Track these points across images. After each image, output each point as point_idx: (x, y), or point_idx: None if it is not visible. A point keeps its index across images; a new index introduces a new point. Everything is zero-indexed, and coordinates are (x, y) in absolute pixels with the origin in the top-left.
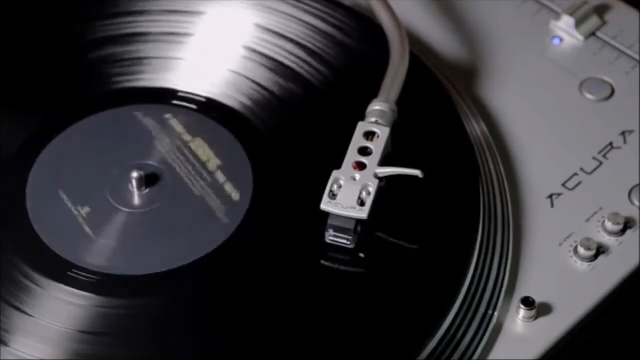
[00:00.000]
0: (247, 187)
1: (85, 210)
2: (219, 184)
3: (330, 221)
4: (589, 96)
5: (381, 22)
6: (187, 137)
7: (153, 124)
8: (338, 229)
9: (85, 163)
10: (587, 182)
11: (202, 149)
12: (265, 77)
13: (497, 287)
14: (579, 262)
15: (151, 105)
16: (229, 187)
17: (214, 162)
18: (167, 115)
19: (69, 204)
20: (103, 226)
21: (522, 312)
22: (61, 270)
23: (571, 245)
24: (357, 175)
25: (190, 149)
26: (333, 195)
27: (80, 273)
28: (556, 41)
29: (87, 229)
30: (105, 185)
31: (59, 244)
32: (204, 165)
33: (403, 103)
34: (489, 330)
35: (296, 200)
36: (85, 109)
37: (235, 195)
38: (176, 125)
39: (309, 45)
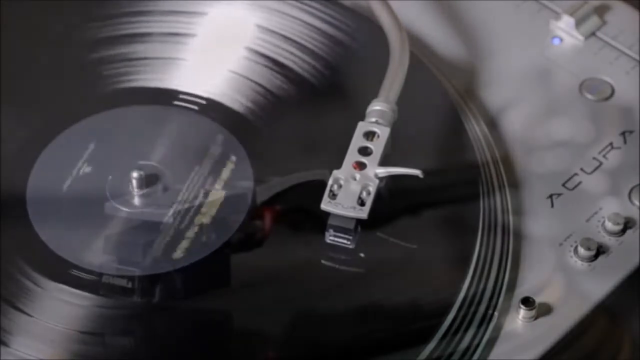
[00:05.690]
0: (198, 255)
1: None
2: (182, 235)
3: (330, 221)
4: (589, 96)
5: (381, 22)
6: (218, 185)
7: (215, 153)
8: (338, 229)
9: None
10: (587, 182)
11: (212, 203)
12: (265, 77)
13: (497, 287)
14: (579, 262)
15: (238, 143)
16: (183, 245)
17: (203, 219)
18: (233, 158)
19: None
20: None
21: (522, 312)
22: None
23: (571, 245)
24: (357, 175)
25: (207, 193)
26: (333, 195)
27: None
28: (556, 41)
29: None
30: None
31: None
32: (195, 212)
33: (403, 103)
34: (489, 330)
35: (296, 200)
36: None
37: (179, 254)
38: (227, 170)
39: (309, 45)
